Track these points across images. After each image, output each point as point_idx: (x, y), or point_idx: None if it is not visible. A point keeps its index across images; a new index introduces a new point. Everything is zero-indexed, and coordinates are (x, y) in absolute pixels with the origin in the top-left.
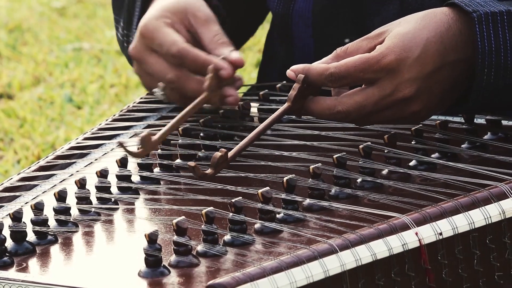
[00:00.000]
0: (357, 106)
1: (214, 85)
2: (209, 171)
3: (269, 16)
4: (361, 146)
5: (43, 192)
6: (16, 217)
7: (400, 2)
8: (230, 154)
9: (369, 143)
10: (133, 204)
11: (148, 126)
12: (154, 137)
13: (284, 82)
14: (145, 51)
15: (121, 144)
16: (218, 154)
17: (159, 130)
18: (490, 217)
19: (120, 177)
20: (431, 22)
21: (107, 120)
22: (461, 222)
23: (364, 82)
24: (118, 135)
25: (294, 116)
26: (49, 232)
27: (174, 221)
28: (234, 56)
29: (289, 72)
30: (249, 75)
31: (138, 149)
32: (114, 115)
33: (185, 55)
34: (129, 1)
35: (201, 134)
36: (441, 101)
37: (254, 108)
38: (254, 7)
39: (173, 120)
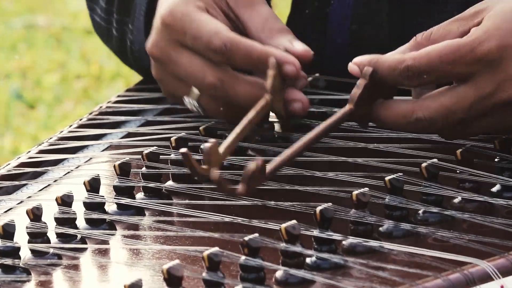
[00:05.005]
0: (444, 112)
1: (278, 86)
2: (240, 187)
3: None
4: (424, 165)
5: None
6: None
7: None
8: (269, 167)
9: (435, 160)
10: (107, 243)
11: (128, 135)
12: (220, 148)
13: (317, 74)
14: (173, 47)
15: (186, 157)
16: (252, 165)
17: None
18: None
19: (89, 206)
20: None
21: (71, 125)
22: None
23: (454, 78)
24: (86, 146)
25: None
26: None
27: (165, 266)
28: (298, 47)
29: (352, 66)
30: None
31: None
32: (81, 119)
33: (234, 48)
34: None
35: (202, 147)
36: None
37: None
38: None
39: (236, 129)
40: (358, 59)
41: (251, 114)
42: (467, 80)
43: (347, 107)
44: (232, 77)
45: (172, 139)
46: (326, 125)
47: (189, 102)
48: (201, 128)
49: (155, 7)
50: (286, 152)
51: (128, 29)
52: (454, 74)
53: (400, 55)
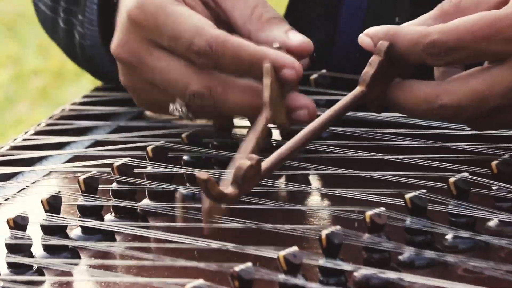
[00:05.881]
0: (474, 98)
1: (277, 95)
2: (230, 190)
3: None
4: (452, 180)
5: None
6: None
7: None
8: (265, 164)
9: (465, 174)
10: (69, 274)
11: (96, 143)
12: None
13: (324, 71)
14: (146, 48)
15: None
16: (244, 164)
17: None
18: None
19: (48, 229)
20: None
21: (26, 132)
22: None
23: (488, 58)
24: (44, 157)
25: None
26: None
27: None
28: (295, 39)
29: (363, 38)
30: None
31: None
32: (38, 124)
33: (221, 50)
34: None
35: (184, 158)
36: None
37: None
38: None
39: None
40: (372, 30)
41: (250, 143)
42: (504, 60)
43: (358, 89)
44: (221, 84)
45: (149, 148)
46: (333, 111)
47: (177, 109)
48: (183, 135)
49: None
50: (286, 145)
51: (77, 21)
52: (488, 52)
53: (424, 28)
